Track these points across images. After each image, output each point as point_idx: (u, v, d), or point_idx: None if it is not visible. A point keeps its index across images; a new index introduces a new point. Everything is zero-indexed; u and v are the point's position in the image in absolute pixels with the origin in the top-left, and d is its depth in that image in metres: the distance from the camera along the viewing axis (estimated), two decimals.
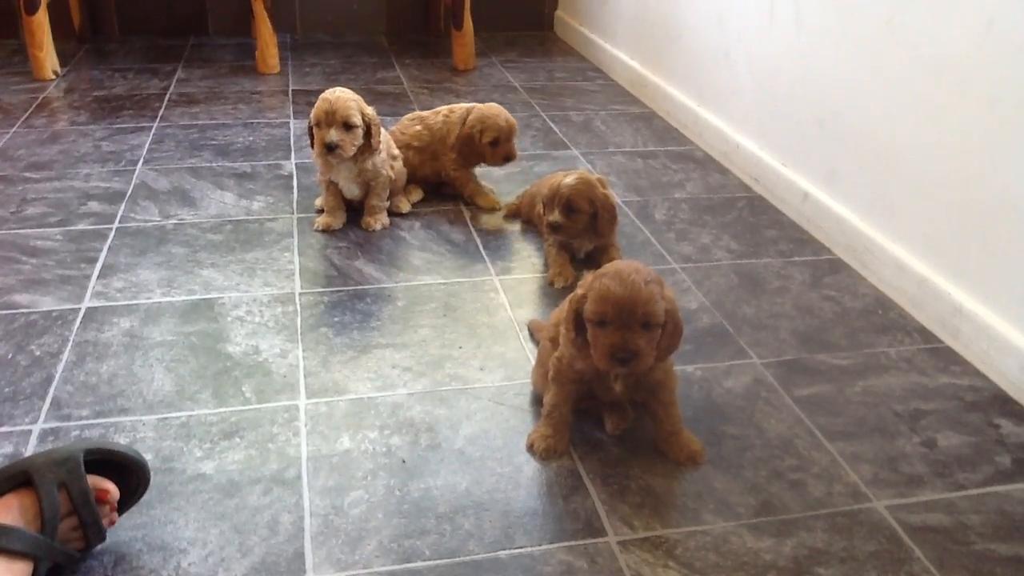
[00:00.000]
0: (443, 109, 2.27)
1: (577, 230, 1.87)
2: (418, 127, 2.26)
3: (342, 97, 1.96)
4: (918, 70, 1.74)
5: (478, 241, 2.04)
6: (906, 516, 1.26)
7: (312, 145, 2.01)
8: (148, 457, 1.28)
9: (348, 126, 1.95)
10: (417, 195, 2.24)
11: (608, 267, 1.28)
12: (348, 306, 1.75)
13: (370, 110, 2.00)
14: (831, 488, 1.31)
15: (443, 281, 1.86)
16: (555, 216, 1.85)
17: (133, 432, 1.38)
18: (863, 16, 1.89)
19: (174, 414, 1.42)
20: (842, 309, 1.79)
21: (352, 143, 1.96)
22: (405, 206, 2.17)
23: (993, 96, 1.56)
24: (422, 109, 2.39)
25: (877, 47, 1.86)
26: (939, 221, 1.72)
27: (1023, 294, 1.53)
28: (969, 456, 1.39)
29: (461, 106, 2.26)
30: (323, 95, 1.97)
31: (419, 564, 1.15)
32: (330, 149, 1.95)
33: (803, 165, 2.17)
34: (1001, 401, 1.53)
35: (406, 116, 2.33)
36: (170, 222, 2.07)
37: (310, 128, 2.00)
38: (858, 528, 1.24)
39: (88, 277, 1.82)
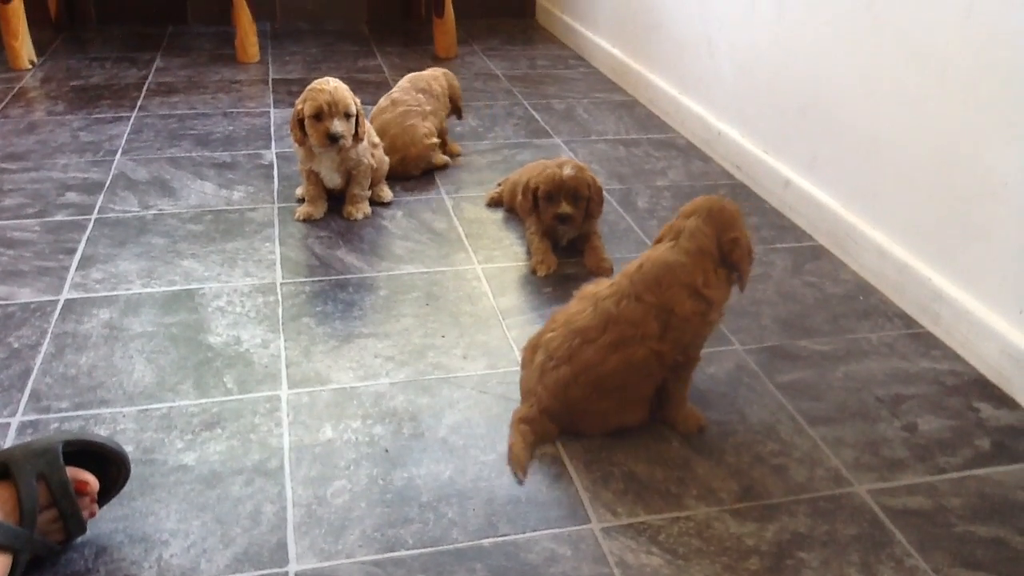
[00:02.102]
0: (420, 76, 2.41)
1: (580, 218, 1.87)
2: (422, 96, 2.35)
3: (339, 87, 1.96)
4: (899, 56, 1.75)
5: (460, 230, 2.03)
6: (887, 500, 1.27)
7: (296, 138, 1.99)
8: (129, 449, 1.27)
9: (347, 115, 1.95)
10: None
11: None
12: (330, 296, 1.74)
13: (357, 100, 2.00)
14: (813, 473, 1.32)
15: (425, 270, 1.85)
16: (565, 208, 1.84)
17: (113, 424, 1.37)
18: (843, 3, 1.89)
19: (155, 405, 1.41)
20: (823, 295, 1.80)
21: (350, 132, 1.96)
22: (387, 195, 2.16)
23: (973, 82, 1.57)
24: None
25: (858, 34, 1.86)
26: (920, 207, 1.73)
27: (1003, 279, 1.54)
28: (949, 440, 1.40)
29: (422, 73, 2.43)
30: (318, 87, 1.96)
31: (403, 553, 1.15)
32: (334, 140, 1.94)
33: (785, 152, 2.17)
34: (981, 385, 1.54)
35: (397, 92, 2.33)
36: (149, 212, 2.06)
37: (300, 120, 1.98)
38: (840, 512, 1.24)
39: (67, 268, 1.80)
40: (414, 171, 2.28)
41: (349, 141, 1.97)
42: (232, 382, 1.48)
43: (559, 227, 1.89)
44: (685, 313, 1.32)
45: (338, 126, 1.94)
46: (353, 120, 1.97)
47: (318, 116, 1.95)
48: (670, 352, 1.33)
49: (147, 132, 2.55)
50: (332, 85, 1.96)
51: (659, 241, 1.39)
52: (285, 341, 1.59)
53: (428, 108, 2.33)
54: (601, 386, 1.33)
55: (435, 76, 2.43)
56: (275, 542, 1.16)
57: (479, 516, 1.22)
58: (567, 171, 1.85)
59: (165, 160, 2.36)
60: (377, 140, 2.16)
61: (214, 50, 3.45)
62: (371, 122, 2.27)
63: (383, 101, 2.34)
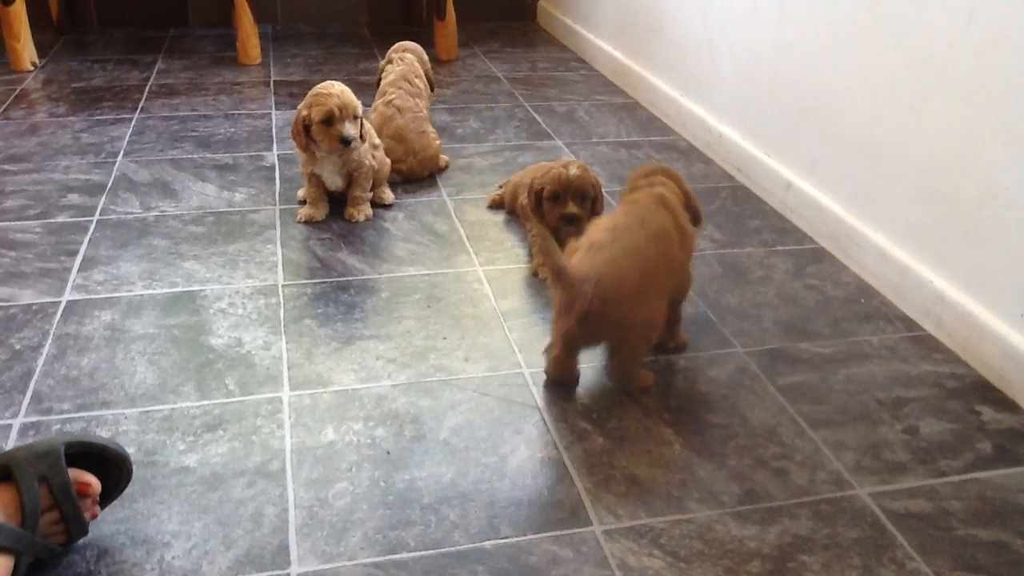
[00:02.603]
0: (405, 78, 2.37)
1: (586, 218, 1.87)
2: (419, 101, 2.35)
3: (345, 90, 1.97)
4: (900, 59, 1.75)
5: (462, 232, 2.03)
6: (889, 503, 1.27)
7: (300, 144, 1.99)
8: (131, 450, 1.27)
9: (355, 117, 1.96)
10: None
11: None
12: (331, 298, 1.74)
13: (359, 102, 2.00)
14: (814, 476, 1.32)
15: (427, 272, 1.85)
16: (572, 208, 1.84)
17: (115, 425, 1.37)
18: (845, 5, 1.90)
19: (157, 407, 1.41)
20: (825, 298, 1.80)
21: (359, 135, 1.97)
22: (388, 197, 2.16)
23: (973, 85, 1.57)
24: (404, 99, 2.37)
25: (859, 37, 1.86)
26: (921, 210, 1.73)
27: (1004, 282, 1.54)
28: (951, 443, 1.40)
29: (405, 73, 2.39)
30: (324, 91, 1.95)
31: (404, 555, 1.15)
32: (347, 143, 1.94)
33: (786, 155, 2.17)
34: (982, 388, 1.54)
35: (398, 99, 2.30)
36: (151, 214, 2.06)
37: (305, 126, 1.97)
38: (841, 515, 1.24)
39: (68, 270, 1.80)
40: (426, 173, 2.31)
41: (359, 144, 1.97)
42: (234, 384, 1.48)
43: (563, 228, 1.88)
44: (688, 233, 1.52)
45: (350, 129, 1.94)
46: (359, 123, 1.98)
47: (328, 121, 1.94)
48: (684, 265, 1.52)
49: (149, 134, 2.55)
50: (338, 89, 1.96)
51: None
52: (287, 343, 1.59)
53: (425, 113, 2.36)
54: (645, 266, 1.42)
55: (414, 71, 2.41)
56: (277, 544, 1.16)
57: (481, 518, 1.22)
58: (573, 171, 1.85)
59: (167, 162, 2.36)
60: (378, 142, 2.16)
61: (215, 52, 3.45)
62: (383, 128, 2.27)
63: (385, 108, 2.30)
